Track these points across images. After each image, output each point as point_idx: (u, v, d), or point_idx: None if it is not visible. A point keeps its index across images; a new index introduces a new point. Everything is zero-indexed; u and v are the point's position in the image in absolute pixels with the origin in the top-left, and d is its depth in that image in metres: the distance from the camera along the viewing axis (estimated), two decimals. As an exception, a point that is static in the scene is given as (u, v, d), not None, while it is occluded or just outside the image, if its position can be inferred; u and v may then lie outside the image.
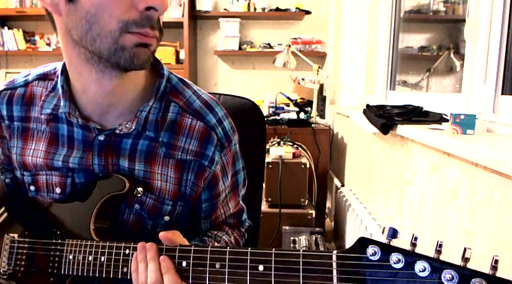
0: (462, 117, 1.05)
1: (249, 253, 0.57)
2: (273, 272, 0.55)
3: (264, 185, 1.16)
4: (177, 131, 0.75)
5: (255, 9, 3.34)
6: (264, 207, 2.10)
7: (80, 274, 0.71)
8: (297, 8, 3.33)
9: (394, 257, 0.48)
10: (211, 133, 0.76)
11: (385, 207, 1.63)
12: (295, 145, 2.29)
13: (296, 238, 1.95)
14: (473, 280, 0.44)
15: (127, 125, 0.73)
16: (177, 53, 3.34)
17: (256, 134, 1.08)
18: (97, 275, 0.69)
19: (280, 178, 2.05)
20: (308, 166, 2.10)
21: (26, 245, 0.78)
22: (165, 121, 0.75)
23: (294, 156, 2.15)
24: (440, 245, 0.47)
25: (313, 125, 2.56)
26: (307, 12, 3.34)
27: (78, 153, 0.75)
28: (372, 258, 0.49)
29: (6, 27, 3.46)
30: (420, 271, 0.46)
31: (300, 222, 2.09)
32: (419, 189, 1.27)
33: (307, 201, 2.14)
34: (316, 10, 3.41)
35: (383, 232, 0.50)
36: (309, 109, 2.76)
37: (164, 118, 0.75)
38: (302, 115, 2.71)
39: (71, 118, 0.74)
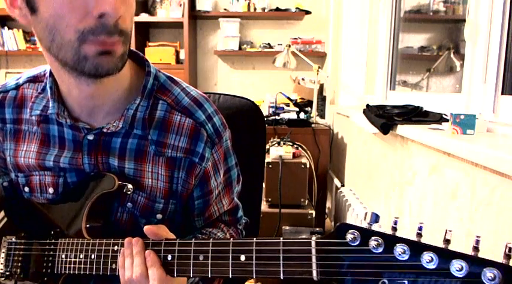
0: (462, 117, 1.05)
1: (231, 243, 0.58)
2: (254, 262, 0.55)
3: (264, 185, 1.15)
4: (166, 129, 0.75)
5: (255, 9, 3.33)
6: (264, 206, 2.10)
7: (71, 272, 0.72)
8: (297, 8, 3.33)
9: (374, 241, 0.47)
10: (201, 129, 0.76)
11: (385, 206, 1.63)
12: (295, 145, 2.29)
13: (296, 238, 1.95)
14: (453, 261, 0.43)
15: (114, 124, 0.73)
16: (177, 53, 3.33)
17: (256, 134, 1.08)
18: (87, 272, 0.70)
19: (280, 178, 2.05)
20: (308, 166, 2.10)
21: (22, 247, 0.79)
22: (153, 119, 0.75)
23: (294, 156, 2.14)
24: (420, 228, 0.47)
25: (313, 125, 2.56)
26: (307, 12, 3.34)
27: (69, 152, 0.76)
28: (352, 243, 0.49)
29: (6, 27, 3.46)
30: (399, 255, 0.46)
31: (300, 222, 2.09)
32: (419, 189, 1.27)
33: (307, 201, 2.14)
34: (316, 10, 3.41)
35: (365, 217, 0.50)
36: (309, 109, 2.76)
37: (152, 116, 0.75)
38: (302, 115, 2.71)
39: (60, 119, 0.74)
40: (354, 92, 2.66)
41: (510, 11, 1.12)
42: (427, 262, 0.44)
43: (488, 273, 0.41)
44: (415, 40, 2.17)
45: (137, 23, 3.20)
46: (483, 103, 1.20)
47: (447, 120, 1.19)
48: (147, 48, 3.27)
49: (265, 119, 1.75)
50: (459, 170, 1.02)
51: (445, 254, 0.44)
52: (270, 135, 2.39)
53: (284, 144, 2.25)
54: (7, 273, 0.78)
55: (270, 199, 2.10)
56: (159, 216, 0.78)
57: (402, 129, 1.30)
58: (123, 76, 0.74)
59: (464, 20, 1.28)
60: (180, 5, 3.21)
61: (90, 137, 0.74)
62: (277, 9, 3.36)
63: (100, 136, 0.74)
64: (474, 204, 0.95)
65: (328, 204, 2.84)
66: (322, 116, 3.00)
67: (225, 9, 3.40)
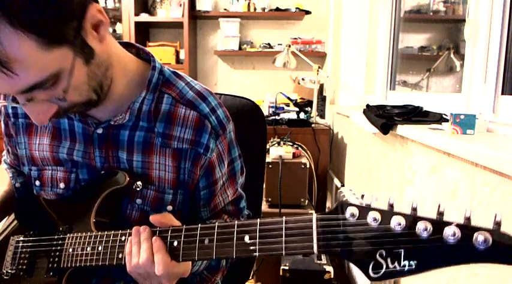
0: (462, 117, 1.05)
1: (235, 225, 0.59)
2: (257, 240, 0.57)
3: (264, 185, 1.16)
4: (172, 121, 0.77)
5: (255, 9, 3.34)
6: (264, 206, 2.10)
7: (77, 265, 0.72)
8: (297, 8, 3.33)
9: (372, 216, 0.49)
10: (205, 121, 0.77)
11: (384, 207, 1.62)
12: (295, 145, 2.29)
13: (296, 238, 1.95)
14: (446, 228, 0.45)
15: (121, 116, 0.75)
16: (177, 53, 3.34)
17: (256, 134, 1.08)
18: (94, 264, 0.70)
19: (280, 178, 2.05)
20: (308, 166, 2.10)
21: (29, 244, 0.80)
22: (159, 112, 0.77)
23: (294, 156, 2.14)
24: (415, 208, 0.48)
25: (313, 125, 2.56)
26: (307, 12, 3.34)
27: (81, 146, 0.77)
28: (351, 219, 0.51)
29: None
30: (396, 226, 0.48)
31: (300, 222, 2.08)
32: (419, 189, 1.27)
33: (307, 201, 2.14)
34: (316, 10, 3.41)
35: (362, 197, 0.52)
36: (309, 109, 2.76)
37: (158, 109, 0.77)
38: (302, 115, 2.71)
39: None
40: (354, 92, 2.66)
41: (510, 11, 1.12)
42: (422, 231, 0.46)
43: (480, 237, 0.43)
44: (415, 40, 2.17)
45: (137, 23, 3.20)
46: (483, 103, 1.20)
47: (447, 120, 1.19)
48: (147, 48, 3.27)
49: (265, 119, 1.75)
50: (459, 170, 1.02)
51: (439, 223, 0.46)
52: (270, 135, 2.39)
53: (284, 144, 2.25)
54: (12, 271, 0.79)
55: (270, 199, 2.10)
56: (169, 208, 0.79)
57: (402, 129, 1.31)
58: (124, 74, 0.75)
59: (464, 20, 1.28)
60: (180, 5, 3.21)
61: (99, 131, 0.76)
62: (277, 9, 3.36)
63: (109, 130, 0.76)
64: (474, 204, 0.95)
65: (328, 204, 2.84)
66: (322, 116, 3.00)
67: (225, 9, 3.40)
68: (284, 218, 0.56)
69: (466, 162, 0.98)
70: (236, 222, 0.60)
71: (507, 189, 0.83)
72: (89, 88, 0.66)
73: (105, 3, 3.31)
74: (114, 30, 3.38)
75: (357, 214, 0.50)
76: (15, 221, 0.85)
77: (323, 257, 1.83)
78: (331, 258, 1.82)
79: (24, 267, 0.78)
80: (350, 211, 0.51)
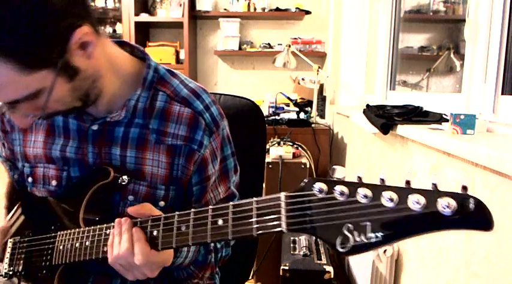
0: (462, 117, 1.05)
1: (209, 210, 0.60)
2: (229, 223, 0.58)
3: (264, 185, 1.16)
4: (167, 118, 0.78)
5: (255, 9, 3.33)
6: (264, 206, 2.10)
7: (67, 261, 0.73)
8: (297, 8, 3.33)
9: (338, 190, 0.49)
10: (199, 118, 0.78)
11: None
12: (295, 145, 2.29)
13: (296, 238, 1.95)
14: (409, 196, 0.44)
15: (117, 113, 0.76)
16: (177, 53, 3.34)
17: (256, 134, 1.08)
18: (81, 259, 0.71)
19: (280, 178, 2.05)
20: (308, 166, 2.10)
21: (25, 244, 0.81)
22: (153, 109, 0.78)
23: (294, 156, 2.14)
24: (383, 179, 0.48)
25: (313, 125, 2.56)
26: (307, 12, 3.34)
27: (74, 142, 0.78)
28: (319, 195, 0.50)
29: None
30: (362, 198, 0.47)
31: (300, 222, 2.08)
32: (419, 189, 1.27)
33: (307, 201, 2.14)
34: (316, 10, 3.41)
35: (333, 173, 0.51)
36: (309, 109, 2.76)
37: (153, 106, 0.78)
38: (302, 115, 2.71)
39: None
40: (354, 92, 2.66)
41: (510, 11, 1.12)
42: (387, 201, 0.45)
43: (443, 202, 0.42)
44: (415, 40, 2.17)
45: (137, 23, 3.20)
46: (483, 103, 1.20)
47: (447, 120, 1.19)
48: (147, 48, 3.27)
49: (265, 119, 1.75)
50: (459, 170, 1.02)
51: (404, 192, 0.45)
52: (270, 135, 2.39)
53: (284, 144, 2.25)
54: (10, 272, 0.80)
55: (270, 199, 2.09)
56: (161, 203, 0.79)
57: (402, 129, 1.31)
58: (118, 76, 0.76)
59: (464, 20, 1.28)
60: (180, 5, 3.21)
61: (95, 127, 0.77)
62: (277, 9, 3.36)
63: (104, 126, 0.77)
64: (474, 204, 0.94)
65: (328, 204, 2.83)
66: (322, 116, 3.00)
67: (225, 9, 3.40)
68: (254, 199, 0.56)
69: (466, 162, 0.98)
70: (210, 207, 0.60)
71: (507, 189, 0.83)
72: (72, 99, 0.69)
73: (105, 3, 3.31)
74: (114, 30, 3.38)
75: (325, 189, 0.50)
76: (15, 224, 0.86)
77: (323, 257, 1.83)
78: (331, 258, 1.82)
79: (21, 267, 0.79)
80: (318, 186, 0.50)
